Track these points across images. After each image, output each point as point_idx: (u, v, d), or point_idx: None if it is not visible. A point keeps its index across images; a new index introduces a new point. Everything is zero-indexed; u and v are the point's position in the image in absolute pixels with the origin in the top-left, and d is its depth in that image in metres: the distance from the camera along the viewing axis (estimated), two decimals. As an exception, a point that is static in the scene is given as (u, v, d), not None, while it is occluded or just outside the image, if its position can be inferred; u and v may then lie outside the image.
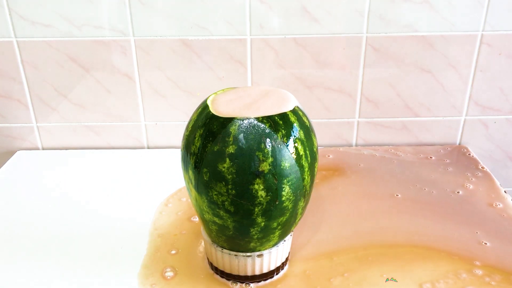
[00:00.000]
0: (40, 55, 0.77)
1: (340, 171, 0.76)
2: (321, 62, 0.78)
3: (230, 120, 0.45)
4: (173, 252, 0.59)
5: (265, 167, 0.44)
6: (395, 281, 0.53)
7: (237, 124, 0.45)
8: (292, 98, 0.50)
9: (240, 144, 0.44)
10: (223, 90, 0.53)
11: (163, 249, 0.59)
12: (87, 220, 0.65)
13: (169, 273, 0.55)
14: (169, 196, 0.70)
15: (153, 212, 0.67)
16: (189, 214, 0.66)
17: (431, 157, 0.81)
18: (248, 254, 0.51)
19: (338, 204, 0.68)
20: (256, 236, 0.49)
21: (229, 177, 0.45)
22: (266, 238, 0.49)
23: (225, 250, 0.52)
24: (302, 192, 0.48)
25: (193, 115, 0.49)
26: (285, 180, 0.45)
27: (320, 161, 0.79)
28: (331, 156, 0.81)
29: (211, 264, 0.55)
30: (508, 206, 0.67)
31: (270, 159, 0.44)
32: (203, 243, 0.60)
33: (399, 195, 0.69)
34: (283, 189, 0.46)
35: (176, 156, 0.74)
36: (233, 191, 0.45)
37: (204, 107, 0.49)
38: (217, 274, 0.55)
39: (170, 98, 0.81)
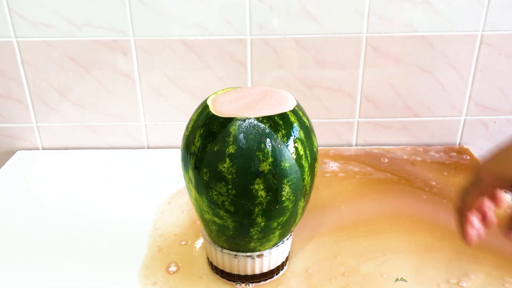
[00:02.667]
0: (40, 55, 0.77)
1: (408, 181, 0.74)
2: (321, 62, 0.78)
3: (230, 120, 0.45)
4: (173, 252, 0.59)
5: (265, 167, 0.44)
6: (405, 281, 0.53)
7: (237, 124, 0.45)
8: (292, 98, 0.50)
9: (240, 144, 0.44)
10: (223, 90, 0.53)
11: (163, 249, 0.59)
12: (87, 220, 0.65)
13: (172, 268, 0.55)
14: (169, 196, 0.70)
15: (153, 212, 0.67)
16: (189, 213, 0.66)
17: (466, 157, 0.80)
18: (248, 254, 0.51)
19: (336, 203, 0.68)
20: (256, 236, 0.49)
21: (229, 177, 0.45)
22: (266, 238, 0.49)
23: (225, 250, 0.52)
24: (302, 192, 0.48)
25: (193, 115, 0.49)
26: (285, 180, 0.45)
27: (379, 166, 0.78)
28: (386, 160, 0.80)
29: (211, 264, 0.55)
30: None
31: (270, 159, 0.44)
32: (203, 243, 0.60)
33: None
34: (283, 189, 0.46)
35: (176, 156, 0.74)
36: (233, 191, 0.45)
37: (204, 107, 0.49)
38: (217, 273, 0.55)
39: (170, 98, 0.81)
